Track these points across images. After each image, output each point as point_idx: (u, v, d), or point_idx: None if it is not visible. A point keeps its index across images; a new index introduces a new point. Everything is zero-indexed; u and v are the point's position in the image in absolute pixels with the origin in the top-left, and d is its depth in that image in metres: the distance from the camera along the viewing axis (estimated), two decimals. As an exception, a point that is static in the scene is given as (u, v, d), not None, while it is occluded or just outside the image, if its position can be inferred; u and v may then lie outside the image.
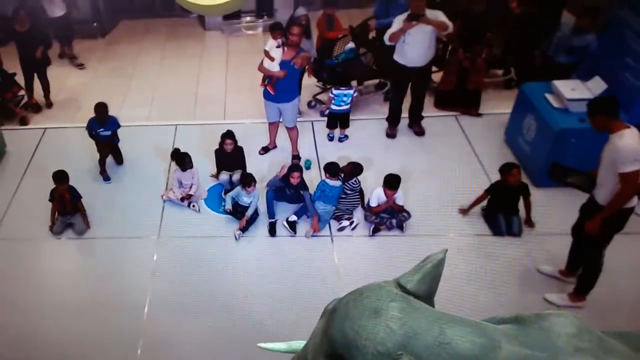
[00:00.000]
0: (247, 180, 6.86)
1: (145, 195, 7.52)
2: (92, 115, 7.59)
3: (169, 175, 7.79)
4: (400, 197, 6.77)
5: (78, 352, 5.67)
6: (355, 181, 7.01)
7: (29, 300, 6.20)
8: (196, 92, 9.87)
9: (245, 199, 6.93)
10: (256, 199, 6.94)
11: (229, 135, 7.30)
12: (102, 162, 7.74)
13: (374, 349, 2.46)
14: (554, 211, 6.84)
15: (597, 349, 2.41)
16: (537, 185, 7.11)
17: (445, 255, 2.82)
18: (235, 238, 6.84)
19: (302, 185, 6.95)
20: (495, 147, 8.05)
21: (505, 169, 6.61)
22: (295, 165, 7.13)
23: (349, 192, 7.01)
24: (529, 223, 6.73)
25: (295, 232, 6.86)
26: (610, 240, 5.44)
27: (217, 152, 7.45)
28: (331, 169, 6.98)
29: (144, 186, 7.67)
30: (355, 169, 7.02)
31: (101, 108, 7.52)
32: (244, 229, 6.87)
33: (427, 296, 2.74)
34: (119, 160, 7.99)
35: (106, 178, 7.78)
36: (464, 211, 6.98)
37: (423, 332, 2.43)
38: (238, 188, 6.99)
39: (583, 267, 5.74)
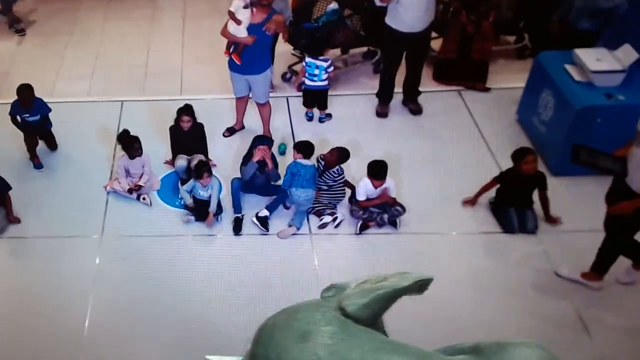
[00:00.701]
0: (199, 170, 6.83)
1: (86, 187, 7.48)
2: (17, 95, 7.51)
3: (113, 163, 7.74)
4: (391, 188, 6.81)
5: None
6: (337, 170, 7.01)
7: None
8: (146, 62, 9.83)
9: (202, 193, 6.93)
10: (217, 190, 6.94)
11: (186, 110, 7.27)
12: (31, 150, 7.69)
13: None
14: (574, 204, 6.93)
15: None
16: (555, 173, 7.18)
17: (416, 285, 2.86)
18: (184, 222, 6.95)
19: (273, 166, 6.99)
20: (506, 128, 8.12)
21: (518, 156, 6.65)
22: (261, 137, 7.10)
23: (330, 182, 7.03)
24: (550, 219, 6.79)
25: (267, 230, 6.88)
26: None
27: (172, 130, 7.43)
28: (305, 148, 7.01)
29: (84, 175, 7.63)
30: (341, 155, 7.01)
31: (24, 90, 7.42)
32: (203, 218, 6.92)
33: (371, 320, 2.78)
34: (52, 145, 7.94)
35: (37, 165, 7.72)
36: (470, 202, 7.05)
37: None
38: (192, 181, 6.99)
39: (604, 241, 5.83)
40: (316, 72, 8.10)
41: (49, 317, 6.07)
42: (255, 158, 6.91)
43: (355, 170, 7.27)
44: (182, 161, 7.37)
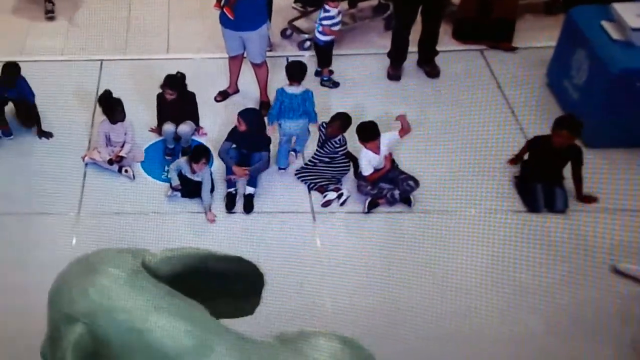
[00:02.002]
0: (197, 156, 6.74)
1: (61, 157, 7.45)
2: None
3: (92, 130, 7.70)
4: (392, 140, 6.75)
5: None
6: (339, 140, 6.92)
7: None
8: (128, 17, 9.75)
9: (189, 176, 6.89)
10: (208, 175, 6.88)
11: (169, 83, 7.15)
12: None
13: (62, 306, 2.90)
14: (611, 179, 6.82)
15: None
16: (589, 144, 7.09)
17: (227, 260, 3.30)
18: (167, 196, 6.98)
19: (260, 140, 6.90)
20: (534, 92, 8.04)
21: (555, 123, 6.58)
22: (247, 110, 7.02)
23: (332, 154, 6.96)
24: (584, 199, 6.70)
25: (251, 209, 6.86)
26: None
27: (158, 99, 7.37)
28: (295, 70, 7.06)
29: (59, 145, 7.61)
30: (344, 123, 6.93)
31: (8, 67, 7.37)
32: (191, 194, 6.90)
33: (172, 279, 3.06)
34: (27, 124, 7.80)
35: (6, 132, 7.68)
36: (514, 161, 7.08)
37: (123, 311, 2.79)
38: (182, 160, 6.93)
39: None
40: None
41: (17, 307, 5.95)
42: (233, 177, 6.91)
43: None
44: (169, 126, 7.32)
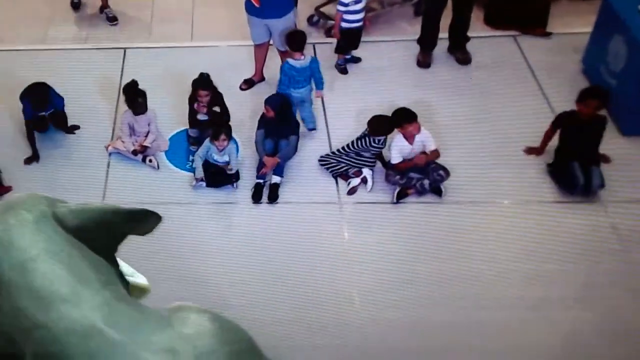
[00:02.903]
0: (217, 131, 6.83)
1: (84, 147, 7.54)
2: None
3: (115, 119, 7.79)
4: (429, 139, 6.76)
5: None
6: (379, 140, 6.89)
7: None
8: (152, 4, 9.83)
9: (217, 157, 6.97)
10: (234, 155, 6.98)
11: (203, 82, 7.20)
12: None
13: None
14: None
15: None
16: (625, 132, 7.12)
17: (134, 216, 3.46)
18: (192, 186, 7.05)
19: (289, 125, 7.02)
20: (569, 79, 8.01)
21: (580, 94, 6.63)
22: (273, 97, 7.14)
23: (364, 151, 6.97)
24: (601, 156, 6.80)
25: (275, 199, 6.93)
26: None
27: (190, 103, 7.44)
28: (294, 39, 7.20)
29: (82, 134, 7.68)
30: (380, 126, 6.87)
31: (38, 90, 7.25)
32: (216, 183, 7.00)
33: (79, 231, 3.23)
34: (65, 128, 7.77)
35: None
36: (535, 151, 7.10)
37: (17, 248, 3.02)
38: (206, 142, 6.99)
39: None
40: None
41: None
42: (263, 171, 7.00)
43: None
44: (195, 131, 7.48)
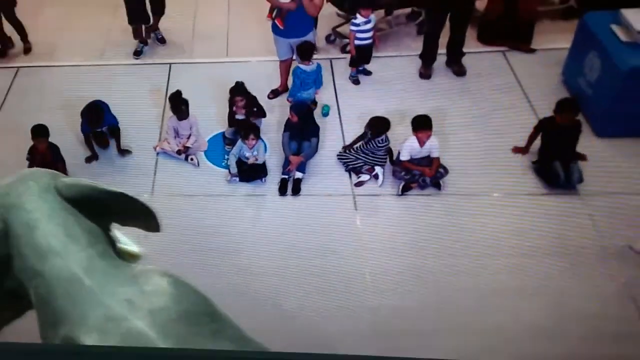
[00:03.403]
0: (246, 132, 6.82)
1: (136, 147, 7.55)
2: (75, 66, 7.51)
3: (162, 124, 7.79)
4: (436, 147, 6.72)
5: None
6: (382, 139, 6.85)
7: None
8: (193, 25, 9.80)
9: (247, 155, 6.94)
10: (262, 151, 6.95)
11: (238, 89, 7.25)
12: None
13: None
14: (621, 165, 6.78)
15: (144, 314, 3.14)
16: (600, 134, 7.03)
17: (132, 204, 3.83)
18: (227, 180, 7.05)
19: (310, 129, 7.02)
20: (551, 89, 7.91)
21: (557, 106, 6.58)
22: (298, 104, 7.17)
23: (375, 150, 6.91)
24: (578, 155, 6.70)
25: (299, 192, 6.90)
26: None
27: (231, 105, 7.43)
28: (303, 50, 7.33)
29: (134, 136, 7.69)
30: (379, 125, 6.86)
31: (93, 112, 7.16)
32: (247, 178, 6.98)
33: (74, 201, 3.58)
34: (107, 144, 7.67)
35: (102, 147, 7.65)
36: (521, 150, 7.02)
37: (25, 210, 3.44)
38: (239, 142, 6.98)
39: None
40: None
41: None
42: (289, 169, 6.98)
43: (399, 133, 7.15)
44: (231, 130, 7.48)
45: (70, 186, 3.62)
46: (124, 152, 7.49)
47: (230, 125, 7.50)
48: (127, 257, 4.34)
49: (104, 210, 3.73)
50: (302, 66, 7.40)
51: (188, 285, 3.48)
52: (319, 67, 7.54)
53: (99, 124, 7.34)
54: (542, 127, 6.77)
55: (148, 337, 3.08)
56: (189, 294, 3.42)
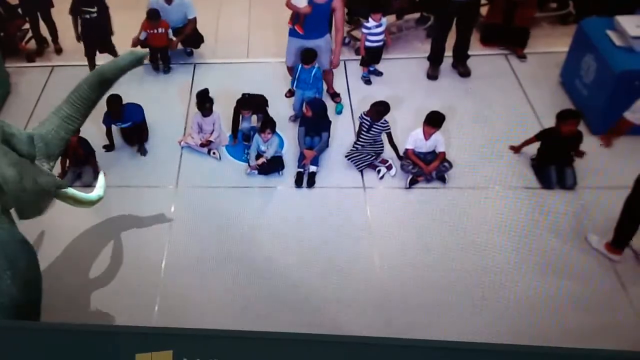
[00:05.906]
0: (263, 125, 6.96)
1: (161, 141, 7.67)
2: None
3: (187, 119, 7.90)
4: (441, 142, 6.81)
5: (93, 307, 5.93)
6: (383, 123, 6.97)
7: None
8: (216, 28, 9.89)
9: (262, 148, 7.04)
10: (276, 145, 7.04)
11: (244, 102, 7.36)
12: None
13: None
14: (614, 162, 6.80)
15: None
16: (595, 132, 7.05)
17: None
18: (247, 173, 7.13)
19: (323, 123, 7.11)
20: (550, 90, 8.00)
21: (561, 116, 6.60)
22: (312, 100, 7.27)
23: (377, 137, 7.03)
24: (579, 152, 6.76)
25: (313, 184, 6.99)
26: None
27: (236, 112, 7.55)
28: (306, 56, 7.40)
29: (160, 131, 7.80)
30: (381, 109, 6.95)
31: (112, 102, 7.06)
32: (266, 171, 7.06)
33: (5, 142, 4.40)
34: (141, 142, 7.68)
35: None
36: (515, 149, 7.08)
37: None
38: (256, 136, 7.08)
39: (621, 214, 5.76)
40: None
41: (130, 258, 6.33)
42: (304, 162, 7.08)
43: (407, 125, 7.28)
44: (245, 123, 7.55)
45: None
46: (141, 150, 7.54)
47: (233, 131, 7.58)
48: (70, 200, 5.09)
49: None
50: (303, 66, 7.49)
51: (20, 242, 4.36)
52: (318, 70, 7.50)
53: (120, 115, 7.31)
54: (544, 136, 6.81)
55: None
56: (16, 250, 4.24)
